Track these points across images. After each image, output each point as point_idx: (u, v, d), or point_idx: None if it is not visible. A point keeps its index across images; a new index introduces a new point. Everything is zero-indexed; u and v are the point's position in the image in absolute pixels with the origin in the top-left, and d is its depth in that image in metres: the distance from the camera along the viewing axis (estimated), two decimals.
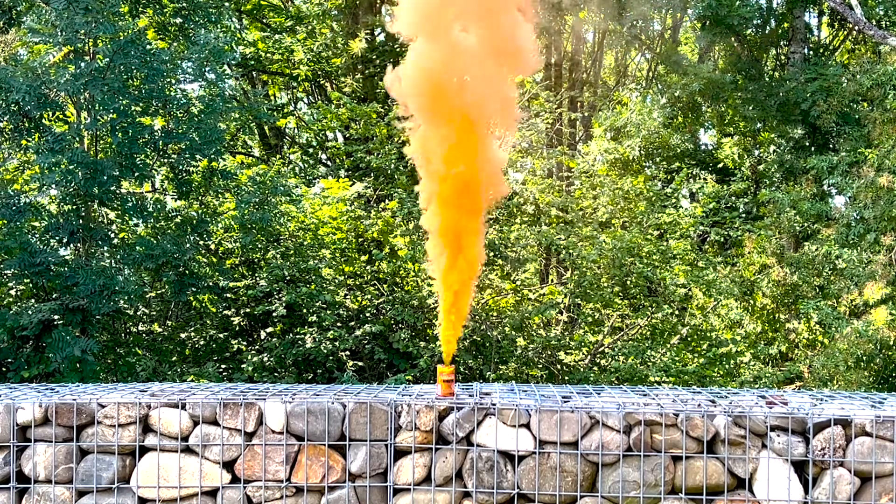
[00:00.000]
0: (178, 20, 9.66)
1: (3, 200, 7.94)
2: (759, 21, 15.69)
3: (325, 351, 9.25)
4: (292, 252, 10.12)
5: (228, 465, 3.48)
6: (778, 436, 3.35)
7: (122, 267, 8.63)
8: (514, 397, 3.58)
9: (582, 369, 10.03)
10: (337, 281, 10.27)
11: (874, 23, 14.76)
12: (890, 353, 11.15)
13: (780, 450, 3.34)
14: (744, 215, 14.60)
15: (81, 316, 7.90)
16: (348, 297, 10.14)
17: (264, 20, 15.65)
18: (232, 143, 15.04)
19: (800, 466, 3.38)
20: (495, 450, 3.41)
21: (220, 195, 9.92)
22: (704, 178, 15.20)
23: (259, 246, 10.22)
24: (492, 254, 10.02)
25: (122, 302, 8.35)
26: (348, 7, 14.72)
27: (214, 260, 10.20)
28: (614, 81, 19.52)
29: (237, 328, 10.17)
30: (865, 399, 3.78)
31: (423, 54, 3.62)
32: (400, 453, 3.45)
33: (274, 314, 9.58)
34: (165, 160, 8.90)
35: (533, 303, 10.67)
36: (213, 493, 3.48)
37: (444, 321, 3.86)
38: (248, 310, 9.92)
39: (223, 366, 9.59)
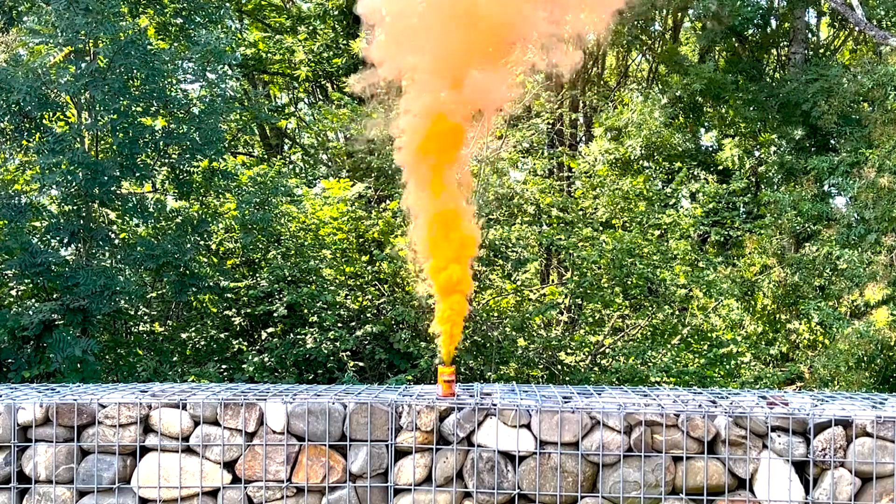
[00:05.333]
0: (179, 20, 9.66)
1: (4, 201, 7.95)
2: (759, 21, 15.68)
3: (326, 351, 9.25)
4: (293, 252, 10.13)
5: (229, 466, 3.48)
6: (779, 436, 3.35)
7: (123, 267, 8.64)
8: (515, 398, 3.58)
9: (583, 370, 10.03)
10: (338, 281, 10.27)
11: (875, 23, 14.76)
12: (891, 354, 11.14)
13: (780, 450, 3.34)
14: (744, 215, 14.60)
15: (82, 316, 7.91)
16: (349, 297, 10.14)
17: (265, 20, 15.66)
18: (233, 143, 15.05)
19: (800, 467, 3.38)
20: (496, 450, 3.41)
21: (220, 195, 9.92)
22: (705, 179, 15.20)
23: (260, 246, 10.23)
24: (492, 254, 10.02)
25: (122, 302, 8.36)
26: (349, 7, 14.73)
27: (215, 260, 10.21)
28: (615, 82, 19.52)
29: (238, 328, 10.17)
30: (866, 400, 3.78)
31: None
32: (401, 453, 3.45)
33: (275, 314, 9.59)
34: (166, 160, 8.91)
35: (534, 303, 10.67)
36: (213, 493, 3.48)
37: (440, 322, 3.87)
38: (248, 310, 9.93)
39: (224, 366, 9.59)
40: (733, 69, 15.55)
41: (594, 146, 15.16)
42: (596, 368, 10.18)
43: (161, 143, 8.54)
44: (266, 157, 15.62)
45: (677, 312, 11.40)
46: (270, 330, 9.93)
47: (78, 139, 8.22)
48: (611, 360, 10.37)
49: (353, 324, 9.79)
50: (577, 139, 17.08)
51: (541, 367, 10.00)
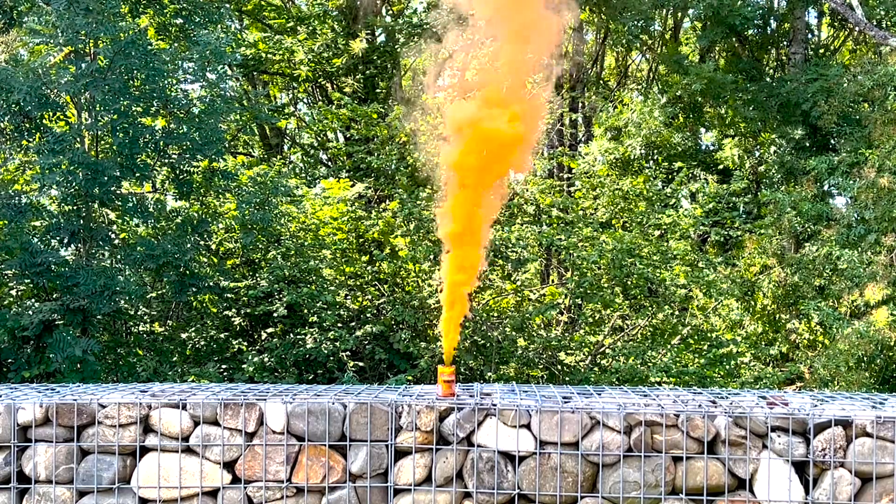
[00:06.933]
0: (179, 21, 9.66)
1: (4, 201, 7.94)
2: (759, 21, 15.68)
3: (326, 351, 9.25)
4: (293, 252, 10.13)
5: (229, 466, 3.48)
6: (778, 436, 3.35)
7: (123, 267, 8.64)
8: (515, 398, 3.58)
9: (582, 370, 10.03)
10: (338, 281, 10.27)
11: (875, 23, 14.76)
12: (891, 354, 11.14)
13: (780, 450, 3.34)
14: (744, 216, 14.60)
15: (82, 316, 7.91)
16: (349, 297, 10.14)
17: (265, 21, 15.67)
18: (233, 143, 15.06)
19: (800, 467, 3.38)
20: (496, 450, 3.41)
21: (220, 195, 9.92)
22: (705, 179, 15.20)
23: (260, 246, 10.23)
24: (493, 254, 10.02)
25: (122, 302, 8.36)
26: (349, 8, 14.73)
27: (215, 260, 10.21)
28: (615, 82, 19.54)
29: (238, 328, 10.17)
30: (866, 400, 3.78)
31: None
32: (400, 454, 3.45)
33: (275, 314, 9.58)
34: (166, 160, 8.91)
35: (534, 303, 10.67)
36: (213, 493, 3.48)
37: (444, 321, 3.86)
38: (248, 310, 9.93)
39: (224, 366, 9.59)
40: (733, 69, 15.55)
41: (594, 146, 15.16)
42: (596, 368, 10.18)
43: (161, 143, 8.54)
44: (266, 157, 15.62)
45: (677, 312, 11.40)
46: (270, 330, 9.92)
47: (78, 139, 8.22)
48: (611, 360, 10.37)
49: (353, 324, 9.79)
50: (577, 139, 17.09)
51: (541, 367, 9.99)
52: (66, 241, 8.25)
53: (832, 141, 14.30)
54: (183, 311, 10.51)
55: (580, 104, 17.02)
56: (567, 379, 9.79)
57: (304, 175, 15.78)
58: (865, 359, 10.91)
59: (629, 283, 10.50)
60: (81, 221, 8.19)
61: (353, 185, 10.96)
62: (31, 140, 8.22)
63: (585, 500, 3.39)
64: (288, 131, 17.76)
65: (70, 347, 7.45)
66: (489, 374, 9.43)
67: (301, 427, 3.45)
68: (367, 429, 3.43)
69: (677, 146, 15.91)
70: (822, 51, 16.95)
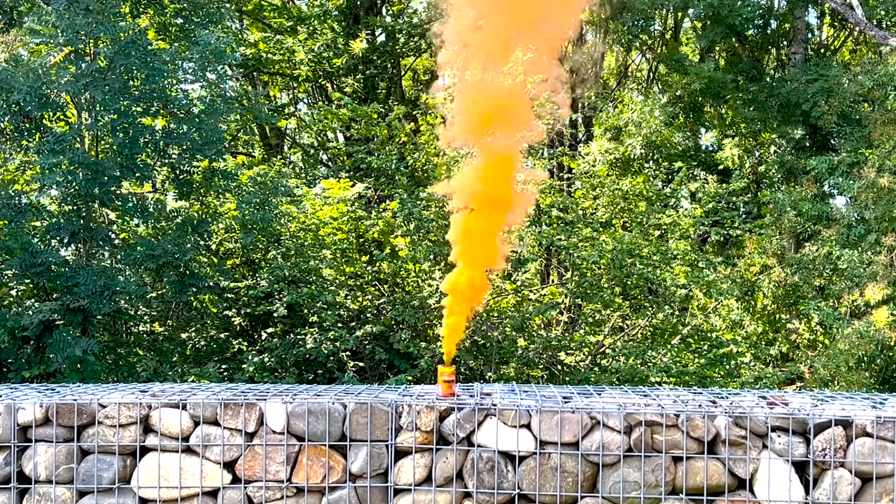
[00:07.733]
0: (179, 21, 9.67)
1: (4, 201, 7.94)
2: (759, 21, 15.69)
3: (326, 351, 9.25)
4: (293, 252, 10.13)
5: (229, 466, 3.48)
6: (779, 436, 3.35)
7: (123, 267, 8.64)
8: (515, 398, 3.58)
9: (583, 370, 10.03)
10: (338, 281, 10.27)
11: (875, 23, 14.76)
12: (891, 354, 11.14)
13: (780, 450, 3.34)
14: (744, 215, 14.59)
15: (82, 316, 7.91)
16: (349, 297, 10.14)
17: (265, 21, 15.68)
18: (233, 143, 15.06)
19: (800, 467, 3.38)
20: (496, 450, 3.41)
21: (220, 195, 9.93)
22: (705, 179, 15.20)
23: (260, 246, 10.23)
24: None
25: (122, 302, 8.36)
26: (349, 8, 14.74)
27: (215, 260, 10.21)
28: (615, 82, 19.54)
29: (238, 328, 10.17)
30: (866, 400, 3.78)
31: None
32: (401, 454, 3.45)
33: (275, 314, 9.59)
34: (166, 160, 8.91)
35: (534, 303, 10.67)
36: (213, 493, 3.48)
37: (447, 322, 3.87)
38: (248, 310, 9.93)
39: (224, 366, 9.59)
40: (733, 69, 15.55)
41: (594, 146, 15.16)
42: (596, 368, 10.18)
43: (161, 143, 8.54)
44: (266, 157, 15.63)
45: (677, 312, 11.39)
46: (270, 330, 9.93)
47: (78, 139, 8.22)
48: (611, 360, 10.37)
49: (353, 324, 9.79)
50: (577, 139, 17.08)
51: (541, 367, 9.99)
52: (66, 241, 8.25)
53: (832, 141, 14.30)
54: (183, 311, 10.51)
55: (580, 104, 17.01)
56: (567, 379, 9.79)
57: (304, 175, 15.78)
58: (865, 359, 10.91)
59: (629, 283, 10.50)
60: (81, 221, 8.19)
61: (353, 185, 10.96)
62: (31, 140, 8.22)
63: (585, 500, 3.39)
64: (288, 131, 17.77)
65: (70, 347, 7.45)
66: (489, 374, 9.43)
67: (301, 427, 3.45)
68: (368, 429, 3.43)
69: (677, 146, 15.91)
70: (822, 51, 16.95)
